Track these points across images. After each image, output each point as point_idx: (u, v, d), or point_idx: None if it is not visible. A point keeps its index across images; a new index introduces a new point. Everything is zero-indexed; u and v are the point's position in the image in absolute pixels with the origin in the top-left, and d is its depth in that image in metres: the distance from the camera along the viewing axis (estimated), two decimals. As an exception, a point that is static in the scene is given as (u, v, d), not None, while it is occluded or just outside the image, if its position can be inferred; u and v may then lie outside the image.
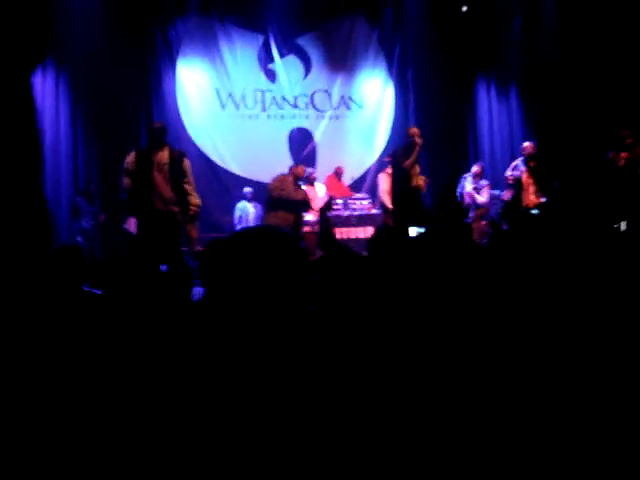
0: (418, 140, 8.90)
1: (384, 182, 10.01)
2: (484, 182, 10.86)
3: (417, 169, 9.11)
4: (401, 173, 9.02)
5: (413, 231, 8.41)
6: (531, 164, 9.83)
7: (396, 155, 9.34)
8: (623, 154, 9.21)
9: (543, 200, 9.27)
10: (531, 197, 9.77)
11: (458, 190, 10.92)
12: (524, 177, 9.87)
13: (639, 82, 11.23)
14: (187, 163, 7.20)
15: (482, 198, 10.70)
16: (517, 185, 10.04)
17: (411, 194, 9.00)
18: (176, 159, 7.08)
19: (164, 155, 7.04)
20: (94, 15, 10.34)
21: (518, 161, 10.31)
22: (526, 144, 10.31)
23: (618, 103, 11.47)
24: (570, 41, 12.41)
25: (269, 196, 8.97)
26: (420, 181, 9.15)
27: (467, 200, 10.70)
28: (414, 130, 9.17)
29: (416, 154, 8.95)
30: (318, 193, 10.61)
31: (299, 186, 9.19)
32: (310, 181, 10.56)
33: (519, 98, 13.69)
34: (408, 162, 8.91)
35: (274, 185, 8.91)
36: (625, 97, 11.41)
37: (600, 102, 11.74)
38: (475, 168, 10.95)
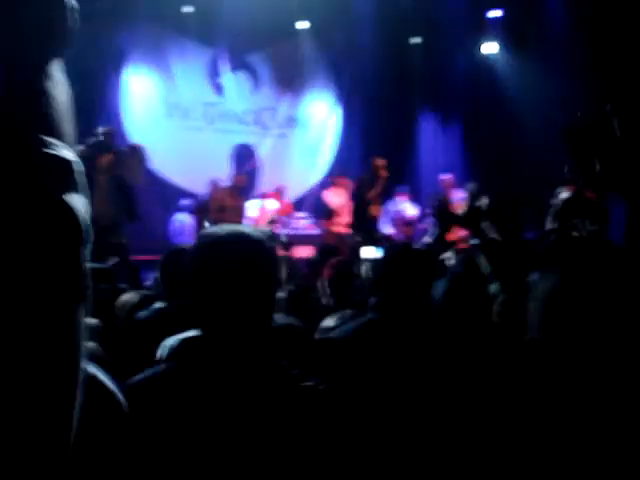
0: (383, 173, 8.98)
1: (329, 195, 10.16)
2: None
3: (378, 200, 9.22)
4: (362, 202, 9.11)
5: (367, 252, 8.52)
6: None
7: (360, 185, 9.39)
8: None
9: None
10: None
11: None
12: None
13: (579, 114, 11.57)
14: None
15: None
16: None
17: (368, 223, 9.10)
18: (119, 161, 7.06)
19: (109, 159, 6.99)
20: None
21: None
22: (444, 177, 10.55)
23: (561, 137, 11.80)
24: (514, 77, 12.79)
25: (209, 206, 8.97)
26: (376, 211, 9.23)
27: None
28: (380, 162, 9.24)
29: (380, 187, 9.04)
30: (269, 208, 10.64)
31: (238, 195, 9.18)
32: (263, 197, 10.65)
33: (462, 131, 14.00)
34: (372, 194, 9.02)
35: (214, 199, 8.95)
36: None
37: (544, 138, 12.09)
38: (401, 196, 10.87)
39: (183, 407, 1.45)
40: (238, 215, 8.99)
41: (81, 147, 7.01)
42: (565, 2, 11.83)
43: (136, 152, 7.35)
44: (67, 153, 0.74)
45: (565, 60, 11.87)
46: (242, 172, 12.46)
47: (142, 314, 3.13)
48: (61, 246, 0.65)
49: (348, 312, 3.12)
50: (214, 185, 9.76)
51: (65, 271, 0.65)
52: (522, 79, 12.69)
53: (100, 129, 7.73)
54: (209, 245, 1.57)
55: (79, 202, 0.71)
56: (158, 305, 3.14)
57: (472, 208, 8.98)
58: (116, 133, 7.43)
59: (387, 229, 10.65)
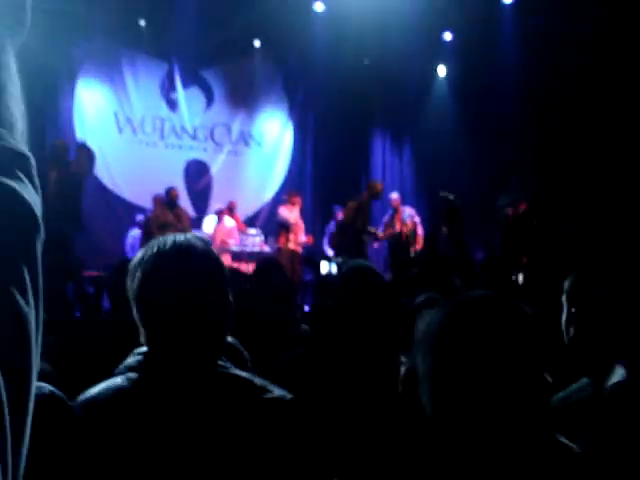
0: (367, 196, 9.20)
1: (283, 210, 10.21)
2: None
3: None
4: (353, 230, 9.27)
5: (324, 266, 8.55)
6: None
7: (349, 211, 9.50)
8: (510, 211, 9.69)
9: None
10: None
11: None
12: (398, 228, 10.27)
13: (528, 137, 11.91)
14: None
15: None
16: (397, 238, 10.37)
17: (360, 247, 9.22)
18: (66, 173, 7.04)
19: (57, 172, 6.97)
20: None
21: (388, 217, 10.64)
22: (394, 195, 10.71)
23: (511, 157, 12.13)
24: (465, 99, 13.04)
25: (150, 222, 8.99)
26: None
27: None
28: (379, 187, 9.43)
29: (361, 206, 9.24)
30: (227, 224, 10.64)
31: (178, 213, 9.17)
32: (220, 214, 10.65)
33: (412, 150, 14.23)
34: (362, 222, 9.21)
35: (152, 221, 8.97)
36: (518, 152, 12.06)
37: (493, 158, 12.36)
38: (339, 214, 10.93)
39: (138, 422, 1.43)
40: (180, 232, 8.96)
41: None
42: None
43: (84, 149, 7.30)
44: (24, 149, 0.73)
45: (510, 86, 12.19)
46: (195, 190, 12.48)
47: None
48: (17, 235, 0.65)
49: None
50: (156, 201, 9.72)
51: (21, 258, 0.64)
52: (470, 100, 12.97)
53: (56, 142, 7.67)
54: (154, 260, 1.50)
55: (36, 200, 0.71)
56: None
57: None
58: (67, 146, 7.36)
59: (328, 250, 10.75)
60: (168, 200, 9.18)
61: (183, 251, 1.50)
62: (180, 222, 8.98)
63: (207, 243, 1.60)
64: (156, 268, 1.48)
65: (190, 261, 1.50)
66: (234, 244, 10.70)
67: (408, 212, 10.60)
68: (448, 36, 13.32)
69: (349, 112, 13.21)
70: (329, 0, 12.27)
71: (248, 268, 10.22)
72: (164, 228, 8.84)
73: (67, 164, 7.20)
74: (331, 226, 11.01)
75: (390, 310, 2.48)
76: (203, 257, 1.53)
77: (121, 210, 11.78)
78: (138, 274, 1.49)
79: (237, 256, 10.67)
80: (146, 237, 9.42)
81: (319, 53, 12.81)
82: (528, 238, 9.26)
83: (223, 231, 10.43)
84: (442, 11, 12.23)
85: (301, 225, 10.53)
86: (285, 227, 10.23)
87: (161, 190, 10.57)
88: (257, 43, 12.98)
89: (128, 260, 2.25)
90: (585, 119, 11.33)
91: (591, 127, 11.23)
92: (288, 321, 3.42)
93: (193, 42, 12.02)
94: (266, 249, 11.08)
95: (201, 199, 12.51)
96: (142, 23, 11.86)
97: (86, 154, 7.34)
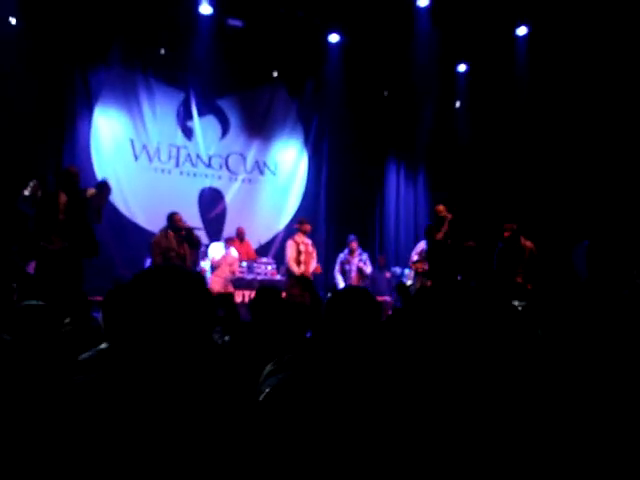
0: (447, 215, 9.44)
1: (291, 249, 10.13)
2: (364, 255, 11.03)
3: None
4: (434, 247, 9.50)
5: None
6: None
7: (427, 232, 9.79)
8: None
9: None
10: None
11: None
12: None
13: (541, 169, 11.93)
14: (90, 191, 7.30)
15: (369, 269, 10.95)
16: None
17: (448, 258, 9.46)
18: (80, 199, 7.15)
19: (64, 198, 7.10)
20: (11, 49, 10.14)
21: (423, 244, 10.64)
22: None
23: (523, 190, 12.14)
24: (480, 127, 13.08)
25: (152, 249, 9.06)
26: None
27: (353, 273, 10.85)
28: (441, 207, 9.68)
29: (446, 226, 9.45)
30: (232, 254, 10.68)
31: (181, 238, 9.20)
32: (228, 242, 10.68)
33: (426, 181, 14.26)
34: (439, 235, 9.41)
35: (154, 244, 9.02)
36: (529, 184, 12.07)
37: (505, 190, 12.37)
38: (353, 243, 10.97)
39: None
40: (181, 259, 9.02)
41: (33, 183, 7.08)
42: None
43: (102, 190, 7.42)
44: None
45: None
46: (209, 218, 12.55)
47: (85, 355, 3.13)
48: None
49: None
50: (162, 230, 9.77)
51: None
52: (484, 130, 13.02)
53: (66, 169, 7.76)
54: (137, 283, 1.60)
55: None
56: (103, 346, 3.14)
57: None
58: (77, 172, 7.47)
59: (338, 279, 10.76)
60: (170, 225, 9.21)
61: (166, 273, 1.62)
62: (182, 247, 9.01)
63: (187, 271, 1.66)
64: (142, 289, 1.60)
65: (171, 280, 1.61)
66: (238, 273, 10.73)
67: (422, 246, 10.62)
68: (462, 67, 13.41)
69: (363, 142, 13.30)
70: (345, 31, 12.40)
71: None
72: (166, 253, 8.90)
73: (78, 190, 7.30)
74: (343, 255, 11.02)
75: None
76: (183, 278, 1.62)
77: (136, 237, 11.83)
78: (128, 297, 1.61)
79: (248, 284, 10.70)
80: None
81: (335, 81, 12.93)
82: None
83: (228, 260, 10.48)
84: (456, 43, 12.35)
85: (312, 253, 10.53)
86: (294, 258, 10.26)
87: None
88: (274, 73, 13.13)
89: (122, 286, 2.27)
90: (600, 149, 11.34)
91: (605, 155, 11.23)
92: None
93: (210, 71, 12.17)
94: (277, 277, 11.11)
95: (215, 227, 12.58)
96: (161, 51, 12.05)
97: (106, 191, 7.48)
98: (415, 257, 10.62)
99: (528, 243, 9.74)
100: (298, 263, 10.19)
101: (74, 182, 7.26)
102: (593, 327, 2.24)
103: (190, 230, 9.16)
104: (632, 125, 11.02)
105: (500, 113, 12.80)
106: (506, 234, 9.74)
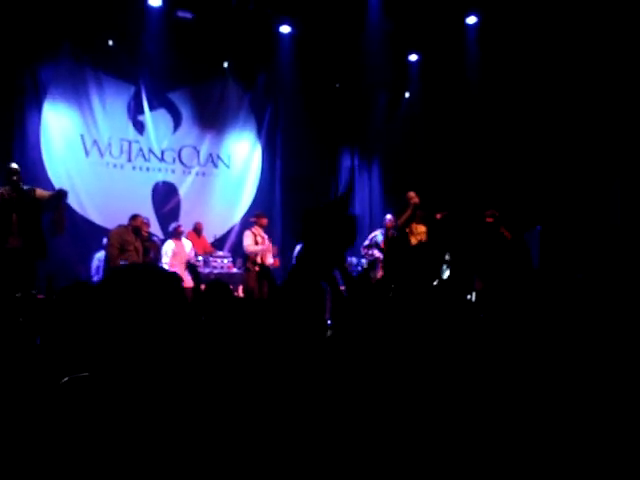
0: (414, 200, 9.29)
1: (248, 237, 10.20)
2: None
3: (418, 228, 9.41)
4: (398, 232, 9.42)
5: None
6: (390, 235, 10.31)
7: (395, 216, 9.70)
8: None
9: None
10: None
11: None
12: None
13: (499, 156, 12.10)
14: (39, 193, 7.25)
15: None
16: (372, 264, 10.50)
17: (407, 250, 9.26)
18: (27, 199, 7.08)
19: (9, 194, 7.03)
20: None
21: (377, 232, 10.71)
22: (388, 217, 10.79)
23: (474, 177, 12.28)
24: (432, 115, 13.21)
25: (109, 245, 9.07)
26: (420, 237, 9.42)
27: None
28: (411, 194, 9.55)
29: (410, 212, 9.31)
30: (185, 247, 10.63)
31: (138, 237, 9.22)
32: (177, 235, 10.60)
33: (380, 170, 14.34)
34: (400, 220, 9.33)
35: (114, 234, 9.02)
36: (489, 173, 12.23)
37: (461, 176, 12.52)
38: None
39: None
40: (137, 253, 9.05)
41: None
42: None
43: (59, 201, 7.37)
44: None
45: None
46: (163, 212, 12.44)
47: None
48: None
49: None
50: (122, 225, 9.70)
51: None
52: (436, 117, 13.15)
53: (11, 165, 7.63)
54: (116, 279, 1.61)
55: None
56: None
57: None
58: (18, 170, 7.43)
59: None
60: (133, 226, 9.24)
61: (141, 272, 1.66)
62: (140, 246, 9.05)
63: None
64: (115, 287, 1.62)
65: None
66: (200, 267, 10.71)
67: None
68: (414, 57, 13.51)
69: (317, 133, 13.30)
70: (296, 22, 12.37)
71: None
72: (124, 246, 8.91)
73: (20, 187, 7.23)
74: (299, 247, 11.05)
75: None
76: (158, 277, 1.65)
77: (88, 233, 11.66)
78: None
79: (205, 278, 10.65)
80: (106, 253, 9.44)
81: (286, 74, 12.91)
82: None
83: (183, 255, 10.50)
84: (408, 33, 12.42)
85: (269, 247, 10.55)
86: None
87: (129, 212, 10.58)
88: (225, 64, 13.03)
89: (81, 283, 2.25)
90: (551, 134, 11.54)
91: (557, 141, 11.44)
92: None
93: (160, 64, 12.04)
94: (234, 271, 11.08)
95: (169, 221, 12.45)
96: (110, 44, 11.85)
97: (60, 207, 7.45)
98: (366, 243, 10.74)
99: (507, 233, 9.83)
100: (255, 257, 10.22)
101: (16, 179, 7.20)
102: (543, 311, 2.30)
103: (149, 235, 9.26)
104: (580, 111, 11.22)
105: (452, 101, 12.94)
106: (489, 220, 9.76)
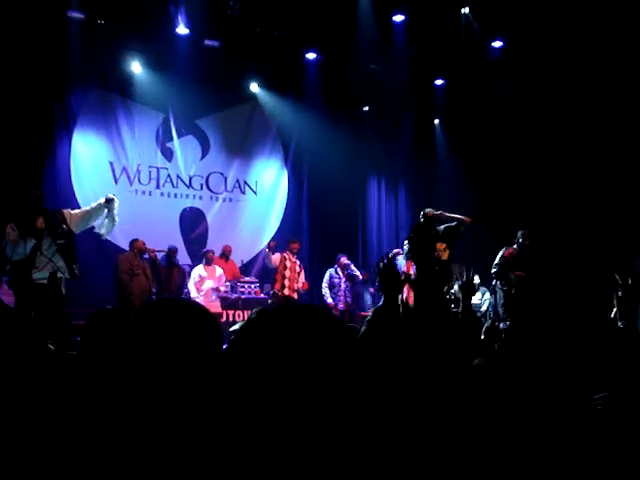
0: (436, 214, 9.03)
1: (277, 260, 10.29)
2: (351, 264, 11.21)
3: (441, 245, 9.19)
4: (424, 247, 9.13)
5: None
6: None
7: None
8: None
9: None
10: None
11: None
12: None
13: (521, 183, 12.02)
14: (67, 213, 7.35)
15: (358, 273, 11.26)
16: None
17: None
18: (52, 222, 7.16)
19: (40, 221, 7.09)
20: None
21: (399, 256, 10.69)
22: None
23: (502, 201, 12.21)
24: (459, 141, 13.20)
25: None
26: (445, 255, 9.20)
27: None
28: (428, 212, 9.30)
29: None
30: (215, 273, 10.68)
31: (143, 260, 9.32)
32: (207, 260, 10.68)
33: (406, 192, 14.34)
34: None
35: (122, 261, 9.12)
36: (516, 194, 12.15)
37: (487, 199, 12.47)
38: (343, 259, 11.14)
39: None
40: (146, 278, 9.15)
41: None
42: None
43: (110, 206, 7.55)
44: None
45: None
46: (191, 238, 12.50)
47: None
48: None
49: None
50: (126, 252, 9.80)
51: None
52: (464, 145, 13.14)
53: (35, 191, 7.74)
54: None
55: None
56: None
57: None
58: (44, 195, 7.56)
59: (327, 296, 10.81)
60: (133, 249, 9.37)
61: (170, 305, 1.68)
62: (146, 269, 9.17)
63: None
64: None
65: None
66: (223, 292, 10.74)
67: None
68: (439, 82, 13.53)
69: (344, 158, 13.32)
70: (323, 48, 12.44)
71: (243, 315, 10.22)
72: (134, 270, 9.01)
73: (47, 212, 7.32)
74: (333, 270, 11.06)
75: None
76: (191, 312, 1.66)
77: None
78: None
79: (233, 303, 10.67)
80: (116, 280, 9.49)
81: (313, 98, 12.96)
82: None
83: (213, 280, 10.56)
84: (434, 59, 12.46)
85: (300, 272, 10.58)
86: (280, 273, 10.29)
87: (158, 238, 10.66)
88: (253, 88, 13.10)
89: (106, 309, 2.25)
90: (580, 159, 11.47)
91: (587, 168, 11.36)
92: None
93: (188, 91, 12.15)
94: (262, 296, 11.08)
95: (197, 247, 12.52)
96: (137, 72, 12.01)
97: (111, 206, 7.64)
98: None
99: None
100: (283, 278, 10.25)
101: (41, 204, 7.31)
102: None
103: (153, 253, 9.33)
104: (606, 136, 11.14)
105: (477, 125, 12.94)
106: (527, 242, 9.68)
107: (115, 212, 7.73)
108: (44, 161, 11.44)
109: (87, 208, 7.90)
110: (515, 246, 9.76)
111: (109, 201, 7.73)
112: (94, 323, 3.23)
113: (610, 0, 10.31)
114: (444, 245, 9.07)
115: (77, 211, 7.80)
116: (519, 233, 9.78)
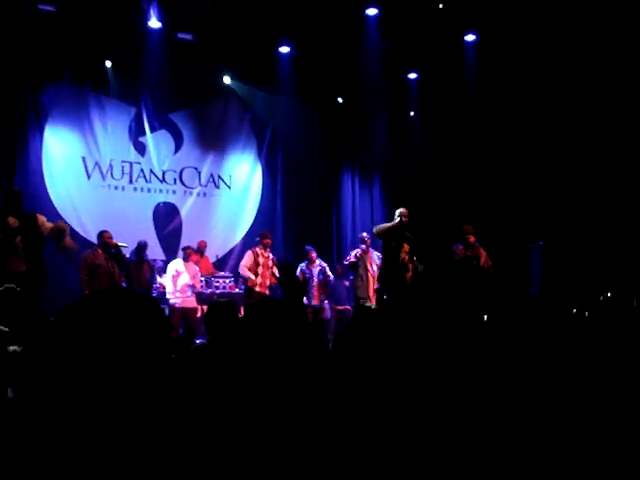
0: (404, 220, 9.06)
1: (248, 257, 10.23)
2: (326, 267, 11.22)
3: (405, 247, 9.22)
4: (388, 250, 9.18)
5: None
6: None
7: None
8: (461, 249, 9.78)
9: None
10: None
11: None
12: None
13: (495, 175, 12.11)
14: (41, 219, 7.23)
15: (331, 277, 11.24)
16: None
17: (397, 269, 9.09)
18: (28, 223, 7.06)
19: (14, 221, 7.01)
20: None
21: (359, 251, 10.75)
22: (364, 234, 10.85)
23: (476, 194, 12.30)
24: (433, 134, 13.25)
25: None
26: (406, 256, 9.22)
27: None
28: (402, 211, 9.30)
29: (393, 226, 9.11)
30: (191, 269, 10.67)
31: (110, 256, 9.12)
32: (185, 256, 10.68)
33: (381, 186, 14.36)
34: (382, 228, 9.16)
35: (81, 261, 8.97)
36: (482, 189, 12.24)
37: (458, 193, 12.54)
38: (312, 253, 11.13)
39: None
40: (109, 275, 8.94)
41: None
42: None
43: (60, 235, 7.38)
44: None
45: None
46: (164, 233, 12.43)
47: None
48: None
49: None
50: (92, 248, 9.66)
51: None
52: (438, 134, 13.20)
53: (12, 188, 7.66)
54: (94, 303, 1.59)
55: None
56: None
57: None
58: (21, 193, 7.45)
59: None
60: (100, 243, 9.19)
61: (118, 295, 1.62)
62: (111, 265, 8.97)
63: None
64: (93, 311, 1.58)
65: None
66: (199, 287, 10.72)
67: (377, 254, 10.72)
68: (413, 76, 13.57)
69: (318, 152, 13.31)
70: (296, 42, 12.40)
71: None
72: (93, 269, 8.87)
73: (22, 211, 7.23)
74: (303, 266, 11.03)
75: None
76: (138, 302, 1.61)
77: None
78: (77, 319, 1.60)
79: (208, 298, 10.63)
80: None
81: (286, 94, 12.94)
82: None
83: (188, 275, 10.52)
84: (408, 53, 12.48)
85: (272, 268, 10.52)
86: (253, 270, 10.26)
87: (131, 234, 10.56)
88: (226, 82, 13.02)
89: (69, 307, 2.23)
90: (552, 148, 11.59)
91: (558, 155, 11.48)
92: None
93: (161, 85, 12.08)
94: (236, 291, 11.05)
95: (171, 242, 12.46)
96: (109, 66, 11.90)
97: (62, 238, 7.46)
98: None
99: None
100: (255, 275, 10.20)
101: (18, 202, 7.21)
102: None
103: (118, 248, 9.12)
104: (581, 129, 11.25)
105: (451, 118, 12.99)
106: (472, 239, 9.75)
107: (64, 242, 7.54)
108: (15, 157, 11.32)
109: (51, 225, 7.74)
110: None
111: (62, 230, 7.57)
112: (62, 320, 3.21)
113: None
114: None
115: (47, 224, 7.69)
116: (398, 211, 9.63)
